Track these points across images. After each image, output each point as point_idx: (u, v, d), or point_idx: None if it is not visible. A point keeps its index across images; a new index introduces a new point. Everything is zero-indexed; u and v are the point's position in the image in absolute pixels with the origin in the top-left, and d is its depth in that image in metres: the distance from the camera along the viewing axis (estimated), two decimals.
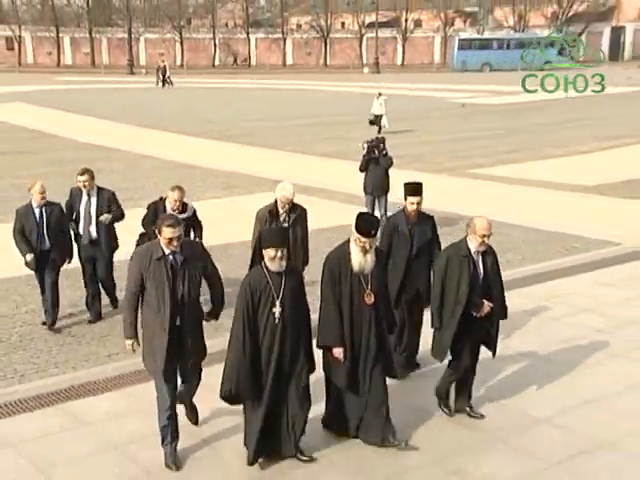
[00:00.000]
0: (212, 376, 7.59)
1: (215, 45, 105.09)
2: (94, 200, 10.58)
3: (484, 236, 7.72)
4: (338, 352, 7.37)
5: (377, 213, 15.26)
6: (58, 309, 10.66)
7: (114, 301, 11.31)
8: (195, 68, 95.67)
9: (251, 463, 7.13)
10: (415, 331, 9.35)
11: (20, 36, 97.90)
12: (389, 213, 15.37)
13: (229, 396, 7.15)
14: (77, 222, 10.69)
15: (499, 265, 8.08)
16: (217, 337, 9.10)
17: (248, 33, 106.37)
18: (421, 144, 28.71)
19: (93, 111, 41.45)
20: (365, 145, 15.42)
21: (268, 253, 6.92)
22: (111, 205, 10.72)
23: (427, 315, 8.51)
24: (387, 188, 15.28)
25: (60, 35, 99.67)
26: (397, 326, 8.25)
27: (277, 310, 6.93)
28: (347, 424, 7.66)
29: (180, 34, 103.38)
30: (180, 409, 7.60)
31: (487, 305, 7.83)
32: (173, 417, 7.28)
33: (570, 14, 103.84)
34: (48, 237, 10.21)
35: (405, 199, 9.18)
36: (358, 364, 7.46)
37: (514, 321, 7.93)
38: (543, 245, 14.95)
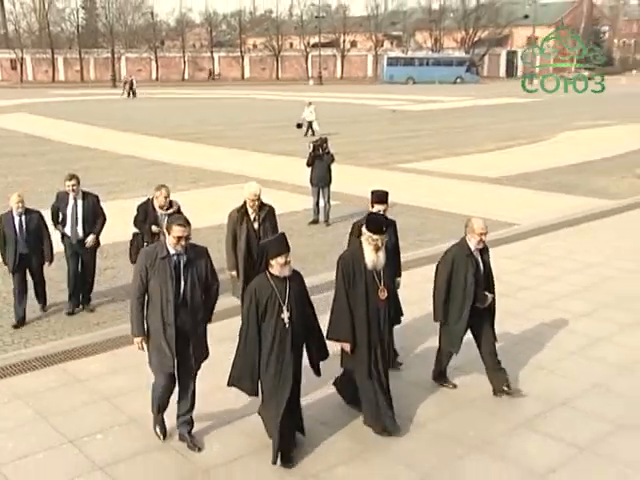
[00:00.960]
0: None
1: (185, 62, 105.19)
2: (80, 203, 9.95)
3: (482, 234, 7.35)
4: (346, 347, 6.80)
5: (321, 201, 15.36)
6: (45, 303, 10.25)
7: (88, 295, 10.35)
8: (168, 81, 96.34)
9: (274, 461, 6.33)
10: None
11: (22, 58, 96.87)
12: (331, 202, 15.62)
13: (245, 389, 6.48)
14: (64, 223, 10.01)
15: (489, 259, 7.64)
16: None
17: (212, 52, 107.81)
18: (357, 143, 28.69)
19: (81, 118, 40.70)
20: (311, 144, 15.51)
21: (278, 261, 6.17)
22: (96, 208, 10.10)
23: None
24: (329, 180, 15.37)
25: (55, 56, 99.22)
26: (403, 315, 7.41)
27: (285, 315, 6.21)
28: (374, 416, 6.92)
29: (155, 53, 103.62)
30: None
31: (490, 297, 7.47)
32: (165, 405, 6.75)
33: (475, 40, 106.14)
34: (26, 243, 9.60)
35: (372, 206, 8.24)
36: (376, 359, 6.78)
37: (430, 289, 7.81)
38: (456, 226, 14.98)
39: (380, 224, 6.84)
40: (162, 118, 41.67)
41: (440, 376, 7.88)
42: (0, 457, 6.44)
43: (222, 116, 43.33)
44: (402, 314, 7.34)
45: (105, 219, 10.24)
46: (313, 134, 29.60)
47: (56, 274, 10.93)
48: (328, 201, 15.33)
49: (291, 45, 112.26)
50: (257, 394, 6.44)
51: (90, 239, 10.01)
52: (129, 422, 7.12)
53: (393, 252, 7.89)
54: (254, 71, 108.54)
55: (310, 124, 31.40)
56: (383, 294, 6.77)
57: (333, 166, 15.49)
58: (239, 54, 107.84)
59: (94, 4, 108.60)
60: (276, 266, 6.21)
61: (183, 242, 6.26)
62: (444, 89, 74.08)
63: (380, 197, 8.36)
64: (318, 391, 7.47)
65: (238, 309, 8.51)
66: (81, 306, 10.24)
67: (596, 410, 7.26)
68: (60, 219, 10.05)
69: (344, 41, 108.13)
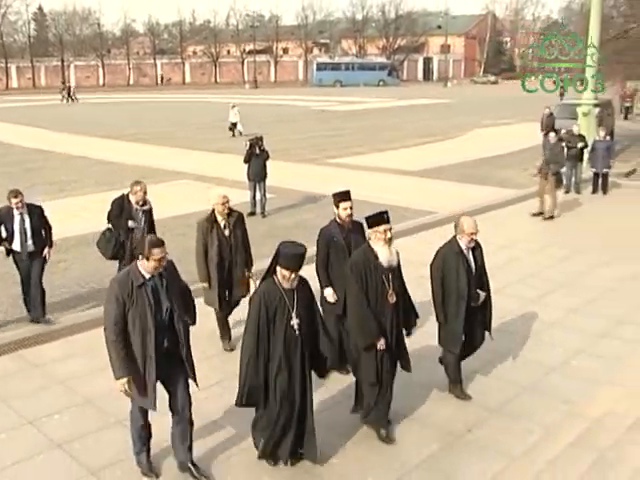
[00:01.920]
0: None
1: (130, 69, 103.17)
2: (27, 217, 8.91)
3: (472, 234, 6.72)
4: (381, 344, 6.02)
5: (258, 195, 15.27)
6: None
7: (41, 309, 9.10)
8: (114, 87, 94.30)
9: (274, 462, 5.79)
10: None
11: None
12: (268, 195, 15.55)
13: (252, 403, 5.72)
14: (11, 240, 8.89)
15: (484, 256, 7.07)
16: None
17: (155, 59, 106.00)
18: (289, 141, 28.56)
19: (34, 122, 39.45)
20: (248, 142, 15.39)
21: (282, 272, 5.48)
22: (42, 220, 9.10)
23: None
24: (265, 175, 15.29)
25: (8, 65, 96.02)
26: (419, 317, 6.62)
27: (295, 322, 5.51)
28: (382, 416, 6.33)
29: (102, 61, 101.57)
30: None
31: (482, 295, 6.90)
32: (145, 426, 5.75)
33: (395, 47, 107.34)
34: None
35: (336, 207, 7.28)
36: (383, 361, 6.13)
37: None
38: None
39: (380, 213, 6.14)
40: (109, 121, 40.66)
41: (457, 382, 7.07)
42: None
43: (165, 118, 42.52)
44: (417, 316, 6.57)
45: (51, 228, 9.29)
46: (240, 134, 29.71)
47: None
48: (264, 194, 15.27)
49: (228, 52, 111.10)
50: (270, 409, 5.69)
51: (46, 252, 9.11)
52: (84, 403, 7.01)
53: None
54: (194, 76, 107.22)
55: (234, 125, 31.16)
56: (392, 298, 6.09)
57: (268, 162, 15.41)
58: (180, 60, 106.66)
59: (44, 16, 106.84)
60: (280, 275, 5.52)
61: (164, 262, 5.38)
62: (368, 91, 74.39)
63: (346, 194, 7.33)
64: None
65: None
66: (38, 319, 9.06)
67: (505, 376, 7.42)
68: (5, 236, 8.94)
69: (277, 48, 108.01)
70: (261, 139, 15.33)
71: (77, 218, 14.36)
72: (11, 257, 9.13)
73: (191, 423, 5.69)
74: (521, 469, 5.83)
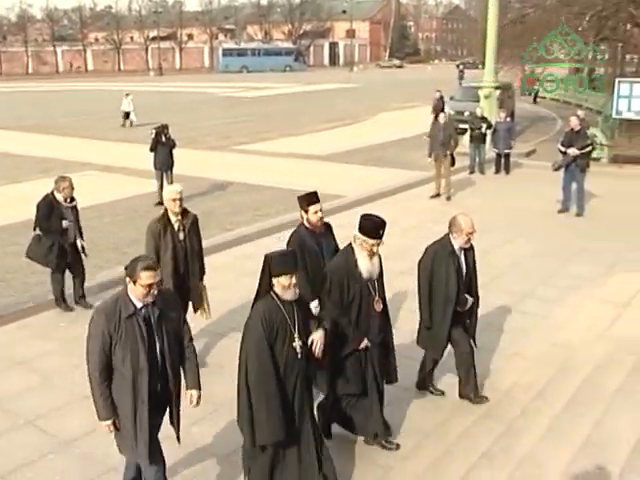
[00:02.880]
0: None
1: (28, 56, 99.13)
2: None
3: (470, 233, 6.23)
4: (365, 343, 5.55)
5: (165, 184, 14.93)
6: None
7: None
8: (12, 75, 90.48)
9: None
10: None
11: None
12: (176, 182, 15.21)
13: (265, 442, 4.86)
14: None
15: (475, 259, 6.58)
16: None
17: (55, 46, 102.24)
18: (196, 129, 28.09)
19: None
20: (153, 130, 15.06)
21: (281, 282, 4.73)
22: None
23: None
24: (172, 164, 15.01)
25: None
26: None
27: (298, 344, 4.82)
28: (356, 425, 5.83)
29: None
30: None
31: (470, 300, 6.41)
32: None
33: (301, 32, 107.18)
34: None
35: (305, 211, 6.39)
36: (367, 370, 5.65)
37: None
38: (290, 200, 15.05)
39: (377, 227, 5.46)
40: (7, 112, 38.80)
41: (424, 383, 6.81)
42: None
43: (67, 107, 41.03)
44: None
45: None
46: (131, 125, 29.25)
47: None
48: (171, 184, 14.95)
49: (132, 39, 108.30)
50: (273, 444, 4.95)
51: None
52: (43, 381, 7.07)
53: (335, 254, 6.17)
54: (97, 64, 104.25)
55: (127, 115, 30.38)
56: (378, 305, 5.62)
57: (175, 151, 15.12)
58: (82, 48, 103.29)
59: None
60: (278, 286, 4.78)
61: (154, 290, 4.49)
62: (275, 77, 74.07)
63: (314, 197, 6.42)
64: None
65: None
66: None
67: (413, 353, 7.48)
68: None
69: (181, 34, 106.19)
70: (167, 127, 15.05)
71: None
72: None
73: None
74: (434, 443, 5.92)
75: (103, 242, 11.74)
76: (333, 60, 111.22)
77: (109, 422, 4.62)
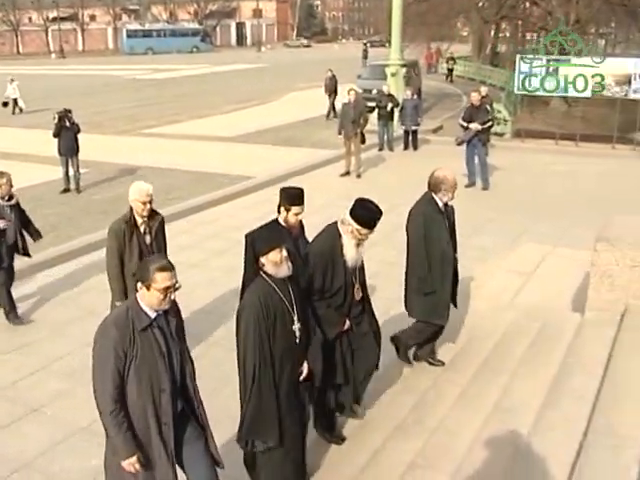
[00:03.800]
0: None
1: None
2: None
3: (455, 189, 6.04)
4: (348, 324, 5.22)
5: (71, 170, 14.48)
6: None
7: None
8: None
9: None
10: None
11: None
12: (83, 170, 14.75)
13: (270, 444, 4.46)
14: None
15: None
16: None
17: None
18: (102, 113, 27.19)
19: None
20: (56, 115, 14.44)
21: (271, 259, 4.28)
22: None
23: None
24: (77, 150, 14.48)
25: None
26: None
27: (297, 326, 4.41)
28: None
29: None
30: None
31: (456, 258, 6.15)
32: None
33: (207, 12, 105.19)
34: None
35: (286, 210, 5.66)
36: (347, 359, 5.30)
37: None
38: (201, 183, 14.92)
39: (374, 217, 5.03)
40: None
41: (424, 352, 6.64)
42: None
43: None
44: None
45: None
46: (21, 111, 28.18)
47: None
48: (77, 170, 14.53)
49: (30, 20, 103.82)
50: (282, 443, 4.53)
51: None
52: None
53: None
54: None
55: (15, 101, 28.97)
56: (358, 293, 5.30)
57: (80, 136, 14.60)
58: None
59: None
60: (268, 265, 4.32)
61: (172, 294, 3.81)
62: (182, 58, 72.63)
63: (297, 196, 5.73)
64: None
65: None
66: None
67: None
68: None
69: (83, 15, 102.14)
70: (70, 111, 14.50)
71: None
72: None
73: None
74: (350, 418, 5.97)
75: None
76: (240, 40, 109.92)
77: (134, 459, 3.80)
